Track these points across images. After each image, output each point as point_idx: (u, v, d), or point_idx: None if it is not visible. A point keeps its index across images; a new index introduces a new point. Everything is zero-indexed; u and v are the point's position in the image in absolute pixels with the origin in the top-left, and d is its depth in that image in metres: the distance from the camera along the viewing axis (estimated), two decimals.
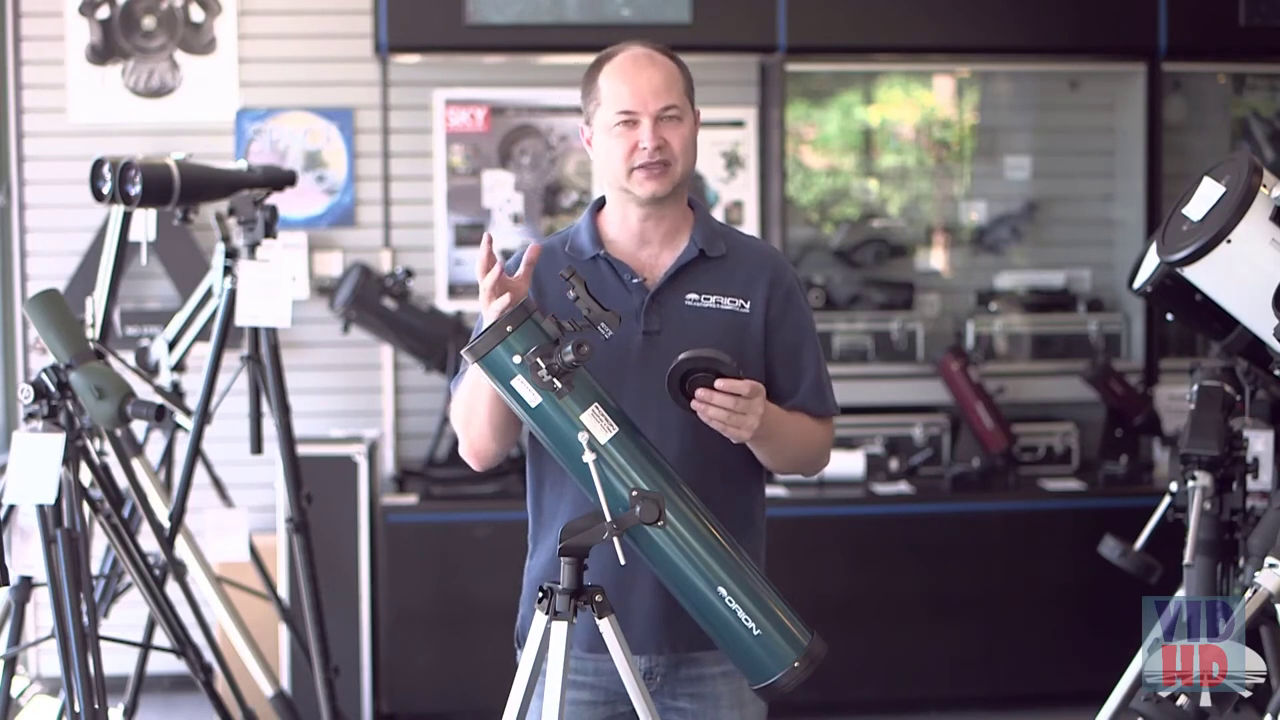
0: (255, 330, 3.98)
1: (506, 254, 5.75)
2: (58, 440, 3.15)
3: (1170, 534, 3.32)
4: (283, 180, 4.15)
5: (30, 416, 3.19)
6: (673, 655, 2.56)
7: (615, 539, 2.30)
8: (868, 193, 5.89)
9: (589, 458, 2.28)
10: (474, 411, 2.51)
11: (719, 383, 2.35)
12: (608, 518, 2.30)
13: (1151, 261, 3.32)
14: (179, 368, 4.31)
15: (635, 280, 2.56)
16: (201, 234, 5.19)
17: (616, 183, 2.56)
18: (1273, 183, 2.77)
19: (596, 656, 2.49)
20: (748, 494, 2.62)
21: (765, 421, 2.44)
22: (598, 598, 2.36)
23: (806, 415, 2.59)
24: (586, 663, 2.53)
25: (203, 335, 4.23)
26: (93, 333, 3.82)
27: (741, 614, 2.32)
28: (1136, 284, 3.42)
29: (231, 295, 3.98)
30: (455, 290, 5.45)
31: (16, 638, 3.25)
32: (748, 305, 2.58)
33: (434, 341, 5.13)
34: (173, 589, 3.87)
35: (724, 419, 2.37)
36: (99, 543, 4.01)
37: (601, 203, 2.65)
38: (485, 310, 2.37)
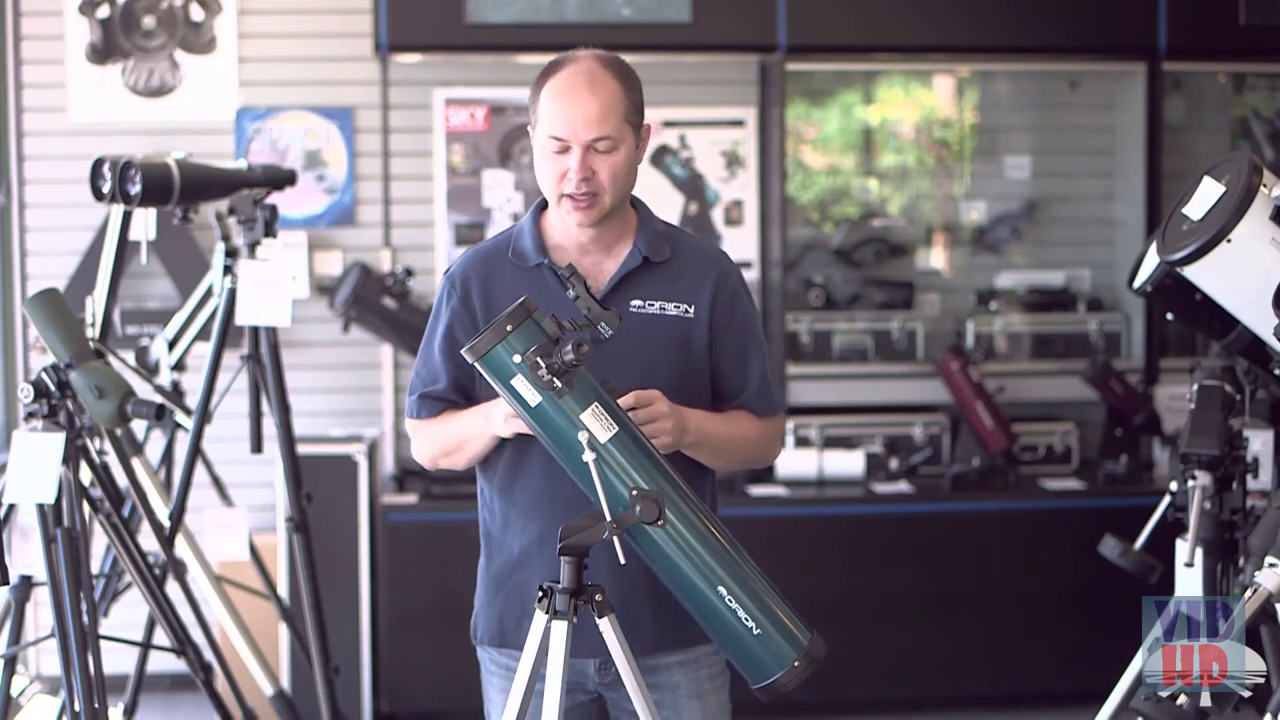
0: (255, 329, 3.98)
1: None
2: (58, 439, 3.15)
3: (1170, 534, 3.32)
4: (283, 179, 4.15)
5: (30, 416, 3.19)
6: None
7: (615, 538, 2.30)
8: (868, 192, 5.89)
9: (589, 457, 2.28)
10: (461, 450, 2.58)
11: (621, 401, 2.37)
12: (608, 517, 2.30)
13: (1151, 261, 3.32)
14: (179, 367, 4.31)
15: None
16: (201, 233, 5.19)
17: (550, 202, 2.57)
18: (1273, 182, 2.77)
19: None
20: (699, 494, 2.60)
21: (693, 428, 2.49)
22: (597, 597, 2.36)
23: (747, 414, 2.61)
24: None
25: (203, 334, 4.23)
26: (93, 332, 3.82)
27: (741, 613, 2.32)
28: (1136, 283, 3.42)
29: (231, 294, 3.98)
30: None
31: (16, 637, 3.25)
32: (692, 310, 2.58)
33: None
34: (173, 588, 3.87)
35: (646, 419, 2.40)
36: (99, 542, 4.01)
37: (544, 204, 2.63)
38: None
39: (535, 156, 2.55)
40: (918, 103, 5.89)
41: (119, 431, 3.82)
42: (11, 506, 3.19)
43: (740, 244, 5.49)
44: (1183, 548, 3.14)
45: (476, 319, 2.56)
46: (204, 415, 3.99)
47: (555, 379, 2.26)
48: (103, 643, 3.28)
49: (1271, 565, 2.56)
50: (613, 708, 2.64)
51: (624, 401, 2.38)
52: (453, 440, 2.59)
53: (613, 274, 2.58)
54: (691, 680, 2.59)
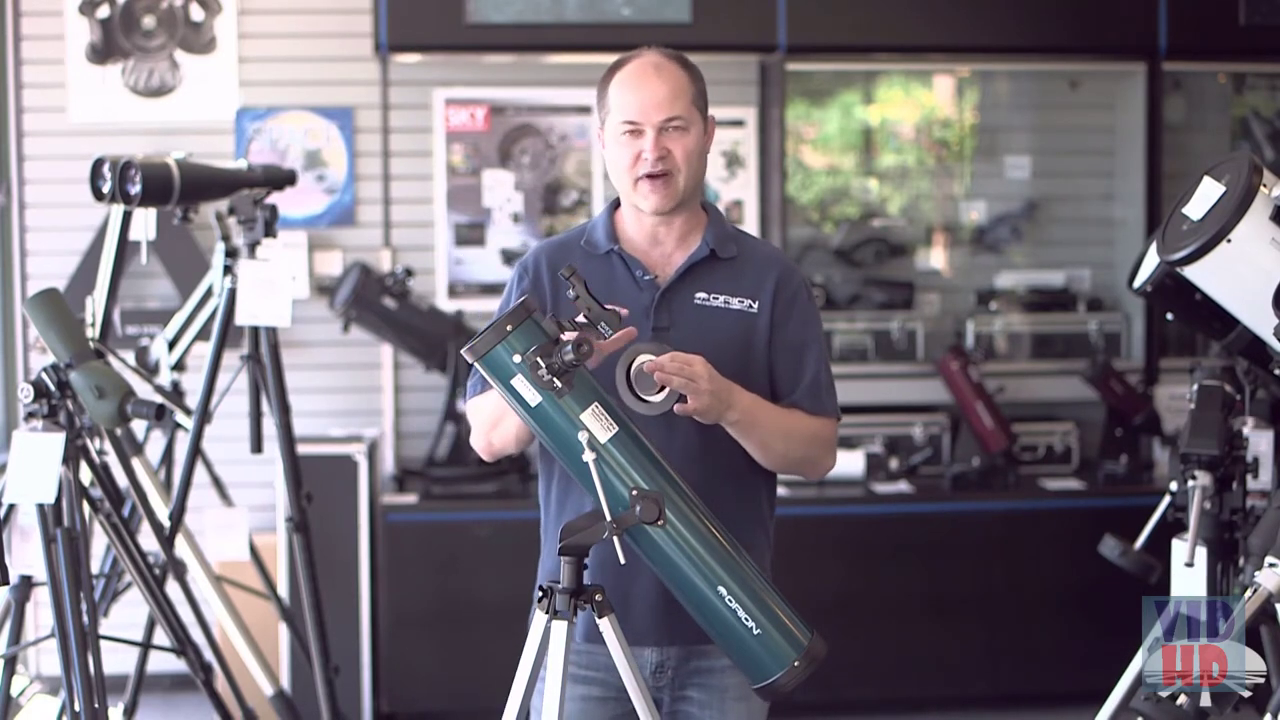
0: (255, 329, 3.98)
1: (508, 254, 5.74)
2: (58, 439, 3.14)
3: (1170, 534, 3.32)
4: (283, 179, 4.15)
5: (30, 416, 3.18)
6: (683, 648, 2.59)
7: (615, 538, 2.30)
8: (868, 192, 5.89)
9: (589, 457, 2.28)
10: (503, 420, 2.57)
11: (645, 366, 2.37)
12: (608, 517, 2.30)
13: (1151, 261, 3.32)
14: (179, 367, 4.31)
15: (647, 277, 2.60)
16: (201, 233, 5.19)
17: (624, 193, 2.62)
18: (1273, 182, 2.77)
19: (603, 649, 2.48)
20: (755, 494, 2.64)
21: (740, 406, 2.47)
22: (597, 597, 2.36)
23: (801, 412, 2.61)
24: (595, 657, 2.55)
25: (203, 334, 4.23)
26: (93, 332, 3.81)
27: (741, 613, 2.32)
28: (1136, 283, 3.42)
29: (231, 294, 3.98)
30: (455, 289, 5.45)
31: (16, 637, 3.25)
32: (755, 305, 2.61)
33: (434, 341, 5.13)
34: (173, 588, 3.87)
35: (680, 385, 2.37)
36: (99, 542, 4.01)
37: (617, 203, 2.69)
38: None
39: (608, 148, 2.60)
40: (918, 103, 5.89)
41: (119, 431, 3.82)
42: (11, 506, 3.19)
43: None
44: (1179, 547, 3.14)
45: (545, 301, 2.59)
46: (204, 415, 3.99)
47: (555, 379, 2.26)
48: (103, 643, 3.28)
49: (1271, 565, 2.56)
50: (667, 714, 2.64)
51: (662, 358, 2.37)
52: (497, 407, 2.57)
53: (680, 264, 2.61)
54: (742, 684, 2.57)
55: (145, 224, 3.99)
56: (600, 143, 2.65)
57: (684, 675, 2.61)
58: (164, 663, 4.16)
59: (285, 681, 4.73)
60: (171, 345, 4.31)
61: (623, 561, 2.30)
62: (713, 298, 2.60)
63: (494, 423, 2.60)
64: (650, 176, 2.55)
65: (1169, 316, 3.60)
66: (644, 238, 2.64)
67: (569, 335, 2.27)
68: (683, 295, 2.59)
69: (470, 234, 5.47)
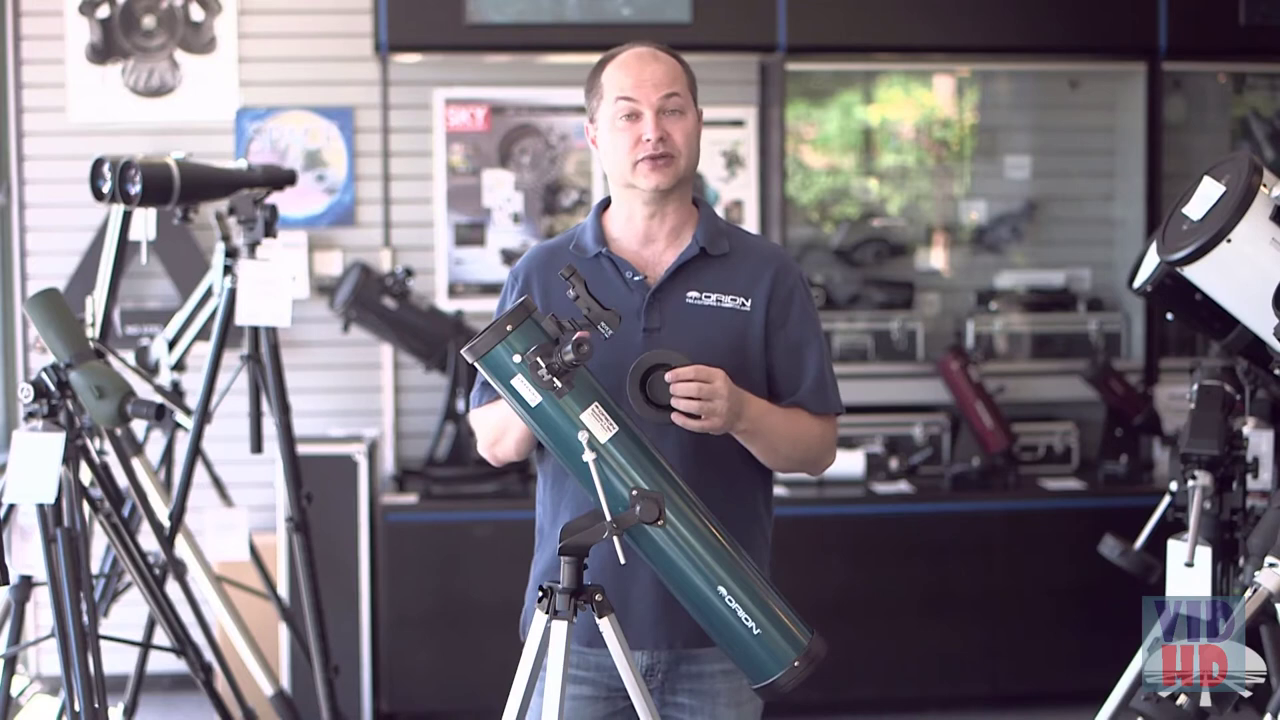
0: (255, 329, 3.98)
1: (508, 254, 5.73)
2: (58, 439, 3.14)
3: (1170, 533, 3.32)
4: (283, 179, 4.15)
5: (30, 416, 3.18)
6: (673, 652, 2.58)
7: (615, 538, 2.30)
8: (868, 192, 5.89)
9: (589, 457, 2.28)
10: (505, 435, 2.58)
11: (667, 375, 2.36)
12: (607, 517, 2.30)
13: (1151, 261, 3.32)
14: (179, 367, 4.31)
15: (637, 278, 2.58)
16: (201, 233, 5.19)
17: (621, 178, 2.58)
18: (1273, 182, 2.77)
19: (596, 651, 2.50)
20: (751, 492, 2.62)
21: (749, 415, 2.46)
22: (597, 597, 2.36)
23: (805, 413, 2.59)
24: (587, 657, 2.55)
25: (203, 334, 4.23)
26: (93, 332, 3.82)
27: (741, 613, 2.32)
28: (1136, 283, 3.42)
29: (231, 294, 3.98)
30: (455, 289, 5.45)
31: (16, 637, 3.25)
32: (748, 303, 2.58)
33: (434, 341, 5.13)
34: (173, 588, 3.87)
35: (695, 409, 2.37)
36: (99, 542, 4.01)
37: (607, 203, 2.67)
38: None
39: (603, 135, 2.58)
40: (918, 103, 5.90)
41: (119, 431, 3.82)
42: (11, 506, 3.19)
43: None
44: (1175, 547, 3.14)
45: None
46: (204, 415, 3.99)
47: (555, 379, 2.26)
48: (103, 643, 3.28)
49: (1271, 565, 2.56)
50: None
51: (684, 373, 2.36)
52: (499, 422, 2.58)
53: (671, 264, 2.59)
54: (733, 690, 2.58)
55: (145, 224, 3.99)
56: (589, 138, 2.62)
57: (674, 679, 2.59)
58: (164, 663, 4.17)
59: (285, 681, 4.73)
60: (171, 345, 4.31)
61: (623, 561, 2.30)
62: (704, 296, 2.57)
63: (496, 439, 2.60)
64: (651, 158, 2.53)
65: (1169, 316, 3.59)
66: (634, 237, 2.61)
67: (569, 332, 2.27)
68: (674, 295, 2.57)
69: (470, 234, 5.47)
